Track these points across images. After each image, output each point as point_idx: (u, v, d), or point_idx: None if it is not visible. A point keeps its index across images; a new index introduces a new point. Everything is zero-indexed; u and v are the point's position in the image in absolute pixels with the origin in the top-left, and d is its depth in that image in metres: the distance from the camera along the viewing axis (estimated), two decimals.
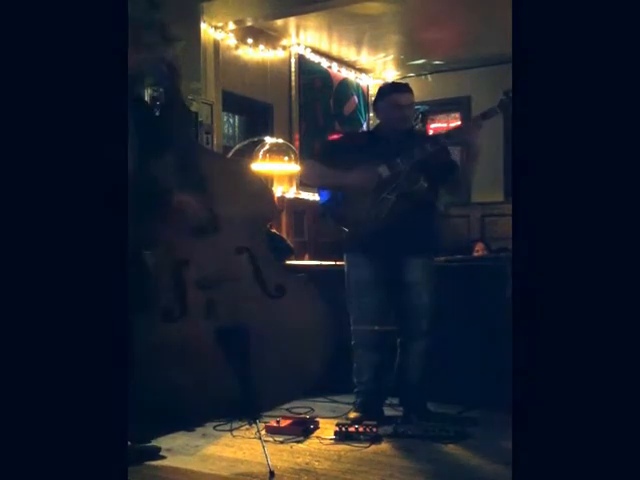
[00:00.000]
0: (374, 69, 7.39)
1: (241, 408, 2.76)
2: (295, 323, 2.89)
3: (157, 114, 2.93)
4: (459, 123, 7.42)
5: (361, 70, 7.36)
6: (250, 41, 5.97)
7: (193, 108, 4.88)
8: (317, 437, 3.07)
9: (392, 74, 7.45)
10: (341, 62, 7.04)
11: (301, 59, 6.56)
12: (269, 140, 5.53)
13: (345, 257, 3.42)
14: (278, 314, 2.85)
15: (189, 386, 2.71)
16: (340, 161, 3.24)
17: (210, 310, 2.74)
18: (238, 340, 2.68)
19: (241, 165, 3.78)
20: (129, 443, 2.44)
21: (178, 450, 2.89)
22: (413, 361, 3.33)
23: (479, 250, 5.98)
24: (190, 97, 4.71)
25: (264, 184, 3.43)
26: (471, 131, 3.21)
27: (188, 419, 3.11)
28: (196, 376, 2.72)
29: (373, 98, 3.65)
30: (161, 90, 3.33)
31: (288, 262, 4.24)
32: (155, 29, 2.66)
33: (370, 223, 3.20)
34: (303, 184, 5.84)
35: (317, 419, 3.26)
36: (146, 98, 4.21)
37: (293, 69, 6.52)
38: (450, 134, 3.37)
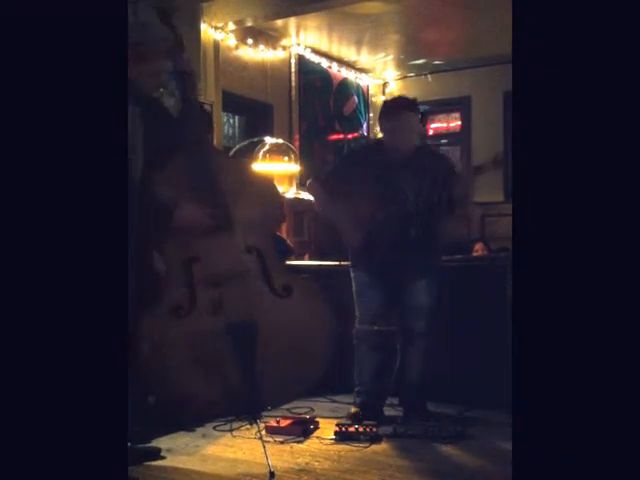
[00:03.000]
0: (374, 69, 7.38)
1: (245, 406, 2.76)
2: (299, 322, 2.91)
3: (172, 116, 2.94)
4: (459, 123, 7.43)
5: (361, 70, 7.36)
6: (250, 41, 5.97)
7: None
8: (317, 437, 3.07)
9: (392, 74, 7.44)
10: (341, 62, 7.04)
11: (301, 59, 6.56)
12: (269, 140, 5.53)
13: (350, 260, 3.43)
14: (284, 313, 2.88)
15: (195, 382, 2.73)
16: (344, 188, 3.23)
17: (219, 307, 2.76)
18: (247, 337, 2.70)
19: (252, 167, 3.81)
20: (129, 443, 2.44)
21: (178, 450, 2.89)
22: (413, 361, 3.33)
23: (478, 250, 5.96)
24: None
25: (274, 186, 3.44)
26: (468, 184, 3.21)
27: (192, 417, 3.12)
28: (203, 372, 2.73)
29: (374, 99, 3.63)
30: (162, 90, 3.34)
31: (288, 262, 4.24)
32: (172, 38, 2.68)
33: (376, 245, 3.21)
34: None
35: (317, 419, 3.26)
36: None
37: (293, 69, 6.52)
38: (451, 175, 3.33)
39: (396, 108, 3.30)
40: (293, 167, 5.56)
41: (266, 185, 3.23)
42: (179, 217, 2.73)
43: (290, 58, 6.49)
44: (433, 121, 7.52)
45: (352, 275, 3.39)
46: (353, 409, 3.30)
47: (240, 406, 2.81)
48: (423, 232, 3.24)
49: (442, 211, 3.27)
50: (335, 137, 6.88)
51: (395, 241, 3.18)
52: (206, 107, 5.24)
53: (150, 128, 2.67)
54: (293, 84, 6.54)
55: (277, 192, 3.44)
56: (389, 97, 6.42)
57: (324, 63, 6.84)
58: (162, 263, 2.85)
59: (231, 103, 5.88)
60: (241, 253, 2.85)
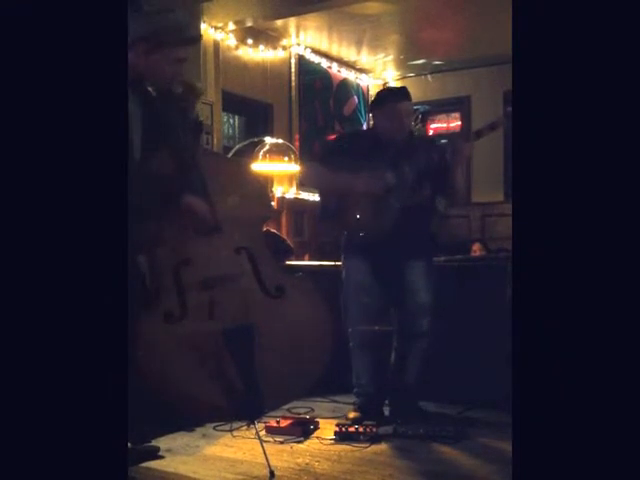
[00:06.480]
0: (374, 69, 7.38)
1: (245, 409, 2.75)
2: (295, 323, 2.89)
3: (159, 114, 2.93)
4: (459, 123, 7.43)
5: (361, 70, 7.36)
6: (250, 41, 5.97)
7: None
8: (317, 437, 3.07)
9: (392, 74, 7.44)
10: (341, 62, 7.04)
11: (301, 59, 6.56)
12: (269, 140, 5.53)
13: (344, 259, 3.40)
14: (278, 314, 2.86)
15: (192, 386, 2.71)
16: (341, 164, 3.20)
17: (211, 311, 2.74)
18: (244, 341, 2.68)
19: (240, 165, 3.77)
20: (129, 444, 2.44)
21: (178, 450, 2.89)
22: (411, 361, 3.32)
23: (476, 250, 5.98)
24: None
25: (262, 184, 3.42)
26: (467, 146, 3.21)
27: (190, 420, 3.12)
28: (199, 377, 2.72)
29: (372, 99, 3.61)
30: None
31: (288, 262, 4.24)
32: (188, 44, 2.69)
33: (375, 230, 3.18)
34: (302, 185, 5.85)
35: (317, 419, 3.26)
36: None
37: (293, 69, 6.52)
38: (450, 140, 3.34)
39: (389, 95, 3.33)
40: (293, 167, 5.57)
41: (253, 183, 3.21)
42: (187, 204, 2.70)
43: (290, 58, 6.49)
44: (433, 121, 7.51)
45: (346, 275, 3.36)
46: (352, 414, 3.30)
47: (240, 409, 2.80)
48: (418, 219, 3.23)
49: (436, 197, 3.30)
50: (334, 137, 6.88)
51: (392, 229, 3.17)
52: (205, 106, 5.25)
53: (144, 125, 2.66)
54: (293, 84, 6.54)
55: (265, 189, 3.41)
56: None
57: (324, 63, 6.84)
58: (145, 262, 2.82)
59: (231, 103, 5.88)
60: (230, 255, 2.82)
